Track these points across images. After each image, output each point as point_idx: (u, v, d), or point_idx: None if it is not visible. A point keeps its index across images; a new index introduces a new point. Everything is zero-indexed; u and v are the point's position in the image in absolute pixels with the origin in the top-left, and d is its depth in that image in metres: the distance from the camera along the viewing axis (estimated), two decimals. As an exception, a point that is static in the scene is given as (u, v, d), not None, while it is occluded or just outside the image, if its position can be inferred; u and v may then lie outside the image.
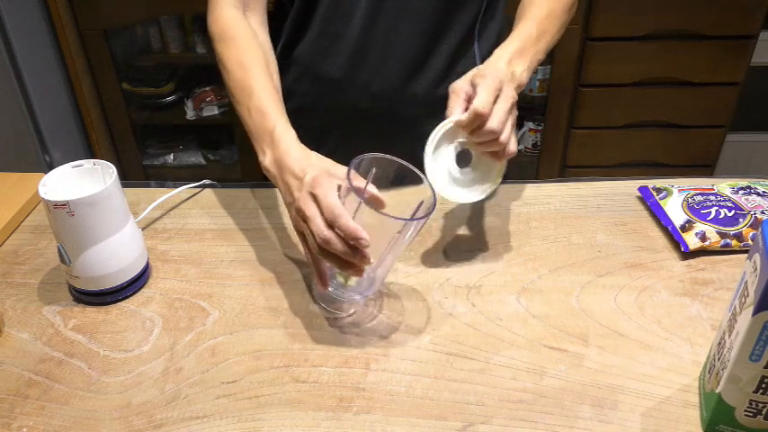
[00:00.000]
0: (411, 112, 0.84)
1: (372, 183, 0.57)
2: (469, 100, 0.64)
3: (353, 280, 0.60)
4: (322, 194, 0.56)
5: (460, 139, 0.64)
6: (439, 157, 0.64)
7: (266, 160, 0.65)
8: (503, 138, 0.62)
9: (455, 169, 0.65)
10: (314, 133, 0.85)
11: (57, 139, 1.86)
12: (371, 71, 0.81)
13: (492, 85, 0.63)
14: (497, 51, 0.71)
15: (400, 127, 0.85)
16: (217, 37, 0.75)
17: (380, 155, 0.57)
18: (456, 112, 0.64)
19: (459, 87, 0.66)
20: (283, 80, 0.78)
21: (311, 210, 0.57)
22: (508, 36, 0.74)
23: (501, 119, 0.61)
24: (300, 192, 0.59)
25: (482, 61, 0.80)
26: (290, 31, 0.84)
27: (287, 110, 0.72)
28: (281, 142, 0.64)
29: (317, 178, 0.58)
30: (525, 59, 0.70)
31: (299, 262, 0.70)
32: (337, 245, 0.54)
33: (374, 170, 0.58)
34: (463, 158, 0.65)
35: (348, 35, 0.80)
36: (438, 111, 0.80)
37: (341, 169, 0.58)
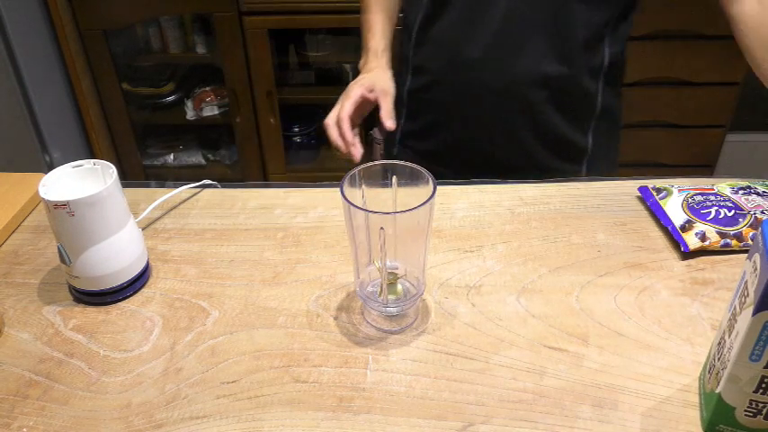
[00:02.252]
0: (540, 95, 0.88)
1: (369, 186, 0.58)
2: None
3: (397, 291, 0.61)
4: (344, 98, 0.85)
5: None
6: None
7: (359, 64, 0.93)
8: None
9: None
10: (443, 110, 0.94)
11: (57, 139, 1.86)
12: (509, 54, 0.85)
13: None
14: None
15: (526, 111, 0.90)
16: None
17: (371, 163, 0.58)
18: None
19: None
20: (417, 56, 0.94)
21: (337, 103, 0.86)
22: None
23: None
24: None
25: (610, 57, 0.90)
26: (428, 9, 0.89)
27: (417, 85, 0.95)
28: (367, 55, 0.92)
29: (352, 86, 0.86)
30: None
31: (299, 262, 0.70)
32: (332, 131, 0.84)
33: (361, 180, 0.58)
34: None
35: (490, 18, 0.83)
36: (562, 96, 0.90)
37: (385, 86, 0.88)
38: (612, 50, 0.89)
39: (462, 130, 0.95)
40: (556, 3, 0.83)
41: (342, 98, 0.87)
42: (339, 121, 0.84)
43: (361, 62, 0.93)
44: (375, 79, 0.89)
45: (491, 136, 0.94)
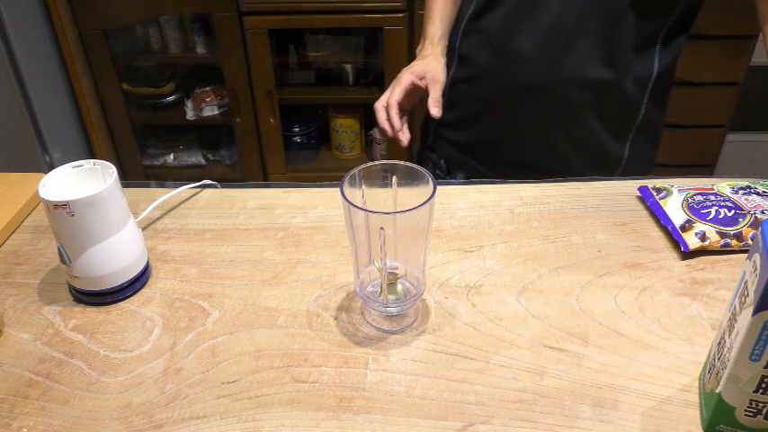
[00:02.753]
0: (582, 98, 0.88)
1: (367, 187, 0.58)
2: None
3: (397, 291, 0.61)
4: (395, 84, 0.87)
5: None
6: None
7: (416, 50, 0.95)
8: None
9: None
10: (482, 103, 0.95)
11: (57, 139, 1.86)
12: (557, 54, 0.85)
13: None
14: None
15: (566, 112, 0.90)
16: None
17: (370, 163, 0.58)
18: None
19: None
20: (464, 46, 0.94)
21: (388, 89, 0.88)
22: None
23: None
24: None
25: (660, 68, 0.88)
26: (481, 0, 0.90)
27: (461, 75, 0.95)
28: (424, 42, 0.93)
29: (403, 73, 0.88)
30: None
31: (299, 262, 0.70)
32: (380, 114, 0.86)
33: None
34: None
35: (542, 16, 0.84)
36: (605, 102, 0.90)
37: (435, 74, 0.88)
38: (663, 61, 0.88)
39: (499, 126, 0.95)
40: (608, 6, 0.82)
41: (393, 84, 0.88)
42: (388, 107, 0.86)
43: (418, 48, 0.94)
44: (427, 67, 0.89)
45: (527, 134, 0.93)
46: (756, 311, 0.43)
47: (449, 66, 0.96)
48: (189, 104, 2.08)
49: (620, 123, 0.92)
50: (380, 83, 1.96)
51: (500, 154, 0.96)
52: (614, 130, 0.92)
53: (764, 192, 0.74)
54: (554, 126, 0.91)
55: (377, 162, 0.58)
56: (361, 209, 0.54)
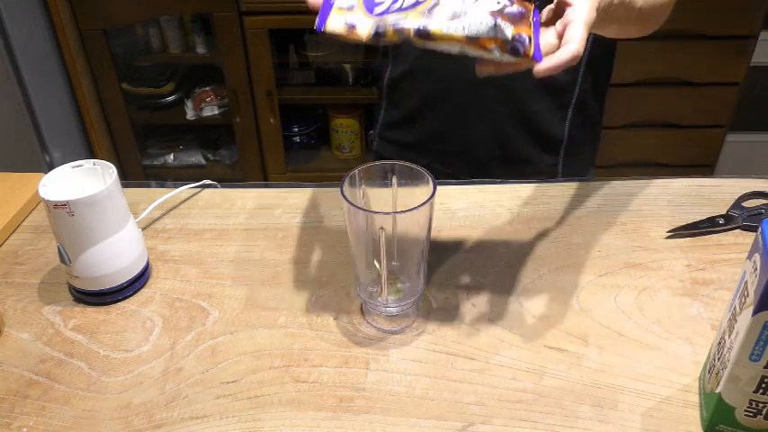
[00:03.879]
0: (521, 81, 0.87)
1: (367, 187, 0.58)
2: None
3: (397, 291, 0.61)
4: None
5: None
6: None
7: None
8: None
9: None
10: (422, 99, 0.93)
11: (57, 139, 1.86)
12: None
13: None
14: None
15: (508, 98, 0.89)
16: None
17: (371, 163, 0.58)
18: None
19: None
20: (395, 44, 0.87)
21: None
22: None
23: None
24: None
25: (590, 50, 0.86)
26: None
27: (396, 73, 0.90)
28: None
29: None
30: None
31: (299, 262, 0.70)
32: None
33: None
34: None
35: None
36: (547, 89, 0.89)
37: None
38: (595, 45, 0.86)
39: (442, 120, 0.93)
40: None
41: None
42: None
43: None
44: None
45: (470, 123, 0.92)
46: (756, 311, 0.43)
47: (385, 66, 0.95)
48: (189, 104, 2.08)
49: (559, 104, 0.92)
50: (380, 83, 1.96)
51: (446, 146, 0.96)
52: (554, 110, 0.92)
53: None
54: (497, 113, 0.90)
55: (377, 162, 0.58)
56: (362, 209, 0.54)
